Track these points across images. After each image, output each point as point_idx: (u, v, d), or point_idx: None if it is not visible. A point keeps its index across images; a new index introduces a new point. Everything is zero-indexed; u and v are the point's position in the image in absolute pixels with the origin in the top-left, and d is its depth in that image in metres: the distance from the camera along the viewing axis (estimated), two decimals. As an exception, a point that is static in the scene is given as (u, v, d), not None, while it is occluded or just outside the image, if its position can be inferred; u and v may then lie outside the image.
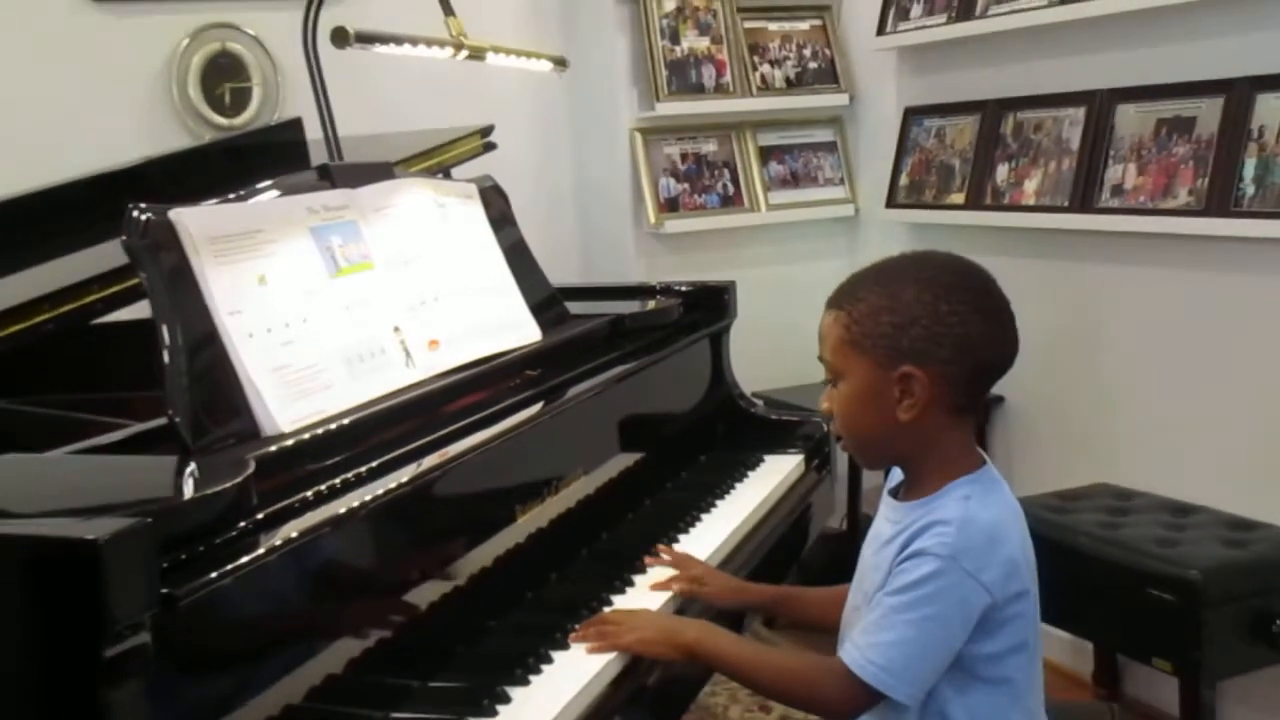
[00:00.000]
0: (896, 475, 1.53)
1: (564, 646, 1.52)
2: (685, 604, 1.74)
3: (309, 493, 1.33)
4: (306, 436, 1.41)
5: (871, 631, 1.39)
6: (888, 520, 1.48)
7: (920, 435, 1.43)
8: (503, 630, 1.59)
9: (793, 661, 1.53)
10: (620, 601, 1.68)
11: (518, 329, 1.92)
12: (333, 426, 1.44)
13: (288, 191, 1.66)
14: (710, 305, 2.45)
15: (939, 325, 1.39)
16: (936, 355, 1.39)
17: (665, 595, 1.71)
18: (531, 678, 1.43)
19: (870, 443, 1.49)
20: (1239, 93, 2.58)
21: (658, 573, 1.77)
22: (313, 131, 2.34)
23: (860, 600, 1.49)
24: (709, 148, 3.75)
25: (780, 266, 3.79)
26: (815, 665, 1.47)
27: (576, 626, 1.55)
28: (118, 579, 1.00)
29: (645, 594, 1.72)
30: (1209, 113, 2.64)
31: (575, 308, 2.16)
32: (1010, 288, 1.47)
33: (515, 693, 1.40)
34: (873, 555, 1.49)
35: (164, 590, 1.07)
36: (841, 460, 3.05)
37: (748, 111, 3.77)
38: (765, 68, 3.77)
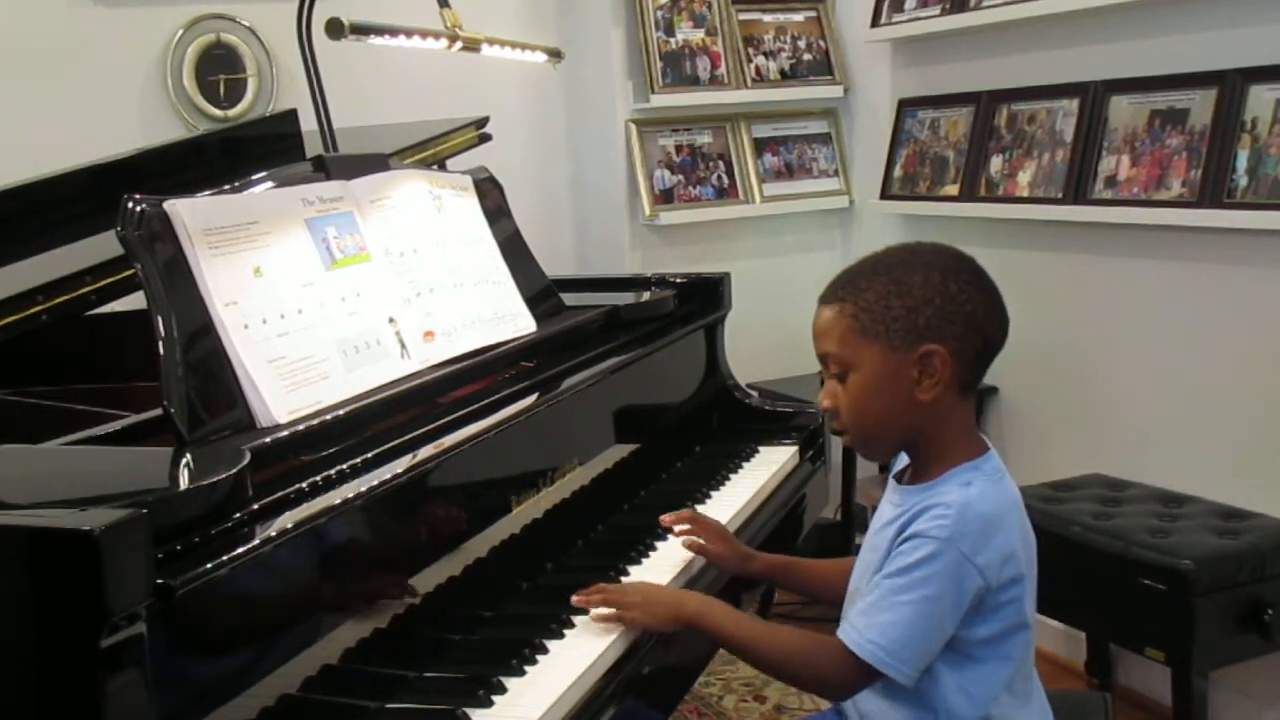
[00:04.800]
0: (902, 459, 1.55)
1: (560, 636, 1.52)
2: (689, 578, 1.76)
3: (305, 484, 1.34)
4: (302, 427, 1.41)
5: (869, 612, 1.42)
6: (890, 504, 1.50)
7: (934, 416, 1.45)
8: (498, 621, 1.59)
9: (792, 638, 1.54)
10: (615, 591, 1.69)
11: (513, 320, 1.93)
12: (328, 418, 1.45)
13: (283, 183, 1.66)
14: (705, 296, 2.46)
15: (950, 304, 1.42)
16: (951, 333, 1.42)
17: (670, 572, 1.72)
18: (527, 668, 1.44)
19: (882, 430, 1.49)
20: (1231, 84, 2.58)
21: (659, 557, 1.80)
22: (308, 123, 2.34)
23: (860, 582, 1.51)
24: (704, 139, 3.75)
25: (775, 258, 3.80)
26: (813, 642, 1.50)
27: (573, 617, 1.55)
28: (114, 570, 1.00)
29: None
30: (1202, 104, 2.64)
31: (570, 299, 2.16)
32: (1003, 279, 1.49)
33: (511, 683, 1.40)
34: (873, 536, 1.51)
35: (160, 581, 1.07)
36: (836, 451, 3.06)
37: (742, 103, 3.77)
38: (760, 59, 3.77)
